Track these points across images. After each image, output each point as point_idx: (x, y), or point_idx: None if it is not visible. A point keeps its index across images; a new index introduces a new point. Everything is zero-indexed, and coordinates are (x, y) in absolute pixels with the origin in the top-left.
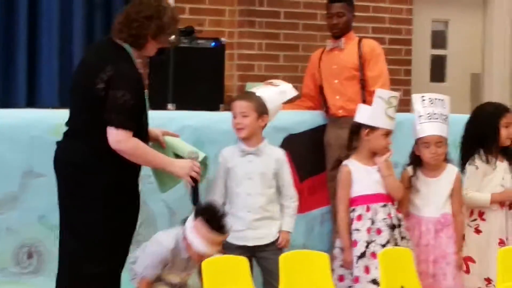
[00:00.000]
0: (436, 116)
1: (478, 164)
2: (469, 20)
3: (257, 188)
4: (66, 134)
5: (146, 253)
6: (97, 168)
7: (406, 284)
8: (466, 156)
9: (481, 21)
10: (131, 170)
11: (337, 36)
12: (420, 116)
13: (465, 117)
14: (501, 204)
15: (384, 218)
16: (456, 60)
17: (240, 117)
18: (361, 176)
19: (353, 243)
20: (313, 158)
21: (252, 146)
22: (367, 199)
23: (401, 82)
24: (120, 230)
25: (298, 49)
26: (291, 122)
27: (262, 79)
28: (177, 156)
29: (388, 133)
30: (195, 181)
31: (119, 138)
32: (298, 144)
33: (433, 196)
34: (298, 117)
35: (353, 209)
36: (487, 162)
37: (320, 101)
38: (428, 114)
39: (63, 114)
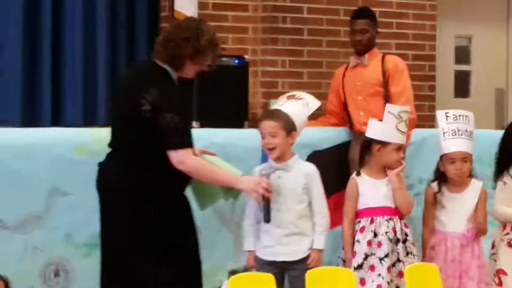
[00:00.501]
0: (461, 132)
1: (506, 180)
2: (492, 35)
3: (287, 203)
4: (108, 155)
5: None
6: (141, 190)
7: None
8: (498, 172)
9: (505, 36)
10: (178, 185)
11: (360, 53)
12: (445, 132)
13: (490, 132)
14: None
15: (387, 232)
16: (480, 76)
17: (270, 138)
18: (368, 189)
19: (353, 254)
20: (338, 175)
21: (282, 162)
22: (372, 212)
23: (425, 98)
24: (174, 243)
25: (321, 66)
26: (315, 139)
27: None
28: None
29: (399, 147)
30: (265, 198)
31: (181, 159)
32: (322, 161)
33: (458, 211)
34: (322, 134)
35: (359, 221)
36: None
37: (344, 118)
38: (453, 130)
39: (87, 133)
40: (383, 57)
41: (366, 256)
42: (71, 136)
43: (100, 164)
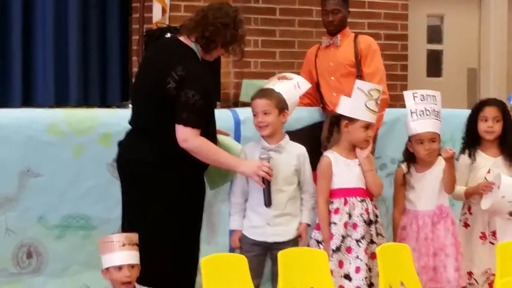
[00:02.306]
0: (428, 112)
1: (460, 159)
2: (464, 14)
3: (278, 184)
4: (131, 133)
5: None
6: (166, 165)
7: (405, 280)
8: (461, 152)
9: (477, 15)
10: (198, 167)
11: (332, 33)
12: (413, 113)
13: (462, 112)
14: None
15: (361, 213)
16: (452, 55)
17: (262, 115)
18: (341, 169)
19: (330, 237)
20: (310, 155)
21: (274, 143)
22: (346, 193)
23: (398, 77)
24: (187, 225)
25: (294, 45)
26: (289, 119)
27: (258, 76)
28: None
29: (367, 126)
30: (265, 182)
31: (186, 137)
32: (295, 141)
33: (426, 189)
34: (295, 114)
35: (332, 202)
36: (469, 156)
37: (317, 98)
38: (421, 110)
39: (59, 113)
40: (355, 37)
41: (343, 238)
42: (42, 116)
43: (120, 142)
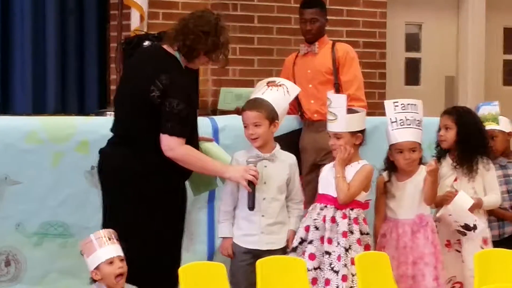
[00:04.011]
0: (409, 122)
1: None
2: (443, 22)
3: (272, 193)
4: (112, 141)
5: None
6: (150, 173)
7: None
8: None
9: (455, 23)
10: (181, 174)
11: (310, 41)
12: (393, 122)
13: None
14: None
15: (315, 219)
16: (430, 63)
17: (253, 127)
18: (325, 176)
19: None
20: None
21: (267, 152)
22: (319, 199)
23: (376, 85)
24: (168, 231)
25: (272, 53)
26: None
27: (236, 83)
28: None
29: (334, 134)
30: (251, 185)
31: (172, 146)
32: None
33: (407, 198)
34: None
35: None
36: (439, 162)
37: (295, 106)
38: (401, 120)
39: (37, 121)
40: (333, 45)
41: (302, 241)
42: (20, 124)
43: (102, 150)
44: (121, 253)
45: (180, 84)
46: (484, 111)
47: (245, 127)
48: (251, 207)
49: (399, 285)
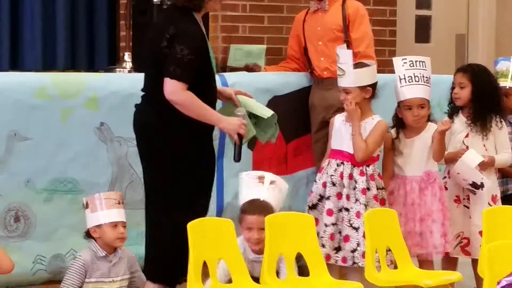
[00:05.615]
0: (417, 78)
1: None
2: None
3: None
4: (142, 97)
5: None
6: (166, 129)
7: (391, 245)
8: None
9: None
10: (202, 128)
11: None
12: (401, 79)
13: (450, 77)
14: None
15: (332, 175)
16: (440, 21)
17: (259, 231)
18: (338, 131)
19: (309, 194)
20: (299, 120)
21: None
22: (333, 154)
23: (386, 43)
24: (194, 186)
25: (282, 10)
26: (276, 84)
27: (246, 40)
28: (252, 115)
29: (344, 89)
30: (241, 139)
31: (173, 89)
32: (283, 106)
33: (415, 155)
34: (283, 79)
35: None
36: (450, 119)
37: (305, 63)
38: (410, 76)
39: (47, 77)
40: (343, 2)
41: (321, 198)
42: (30, 80)
43: (135, 106)
44: (125, 219)
45: (188, 32)
46: (502, 66)
47: (248, 229)
48: (237, 159)
49: (406, 241)
